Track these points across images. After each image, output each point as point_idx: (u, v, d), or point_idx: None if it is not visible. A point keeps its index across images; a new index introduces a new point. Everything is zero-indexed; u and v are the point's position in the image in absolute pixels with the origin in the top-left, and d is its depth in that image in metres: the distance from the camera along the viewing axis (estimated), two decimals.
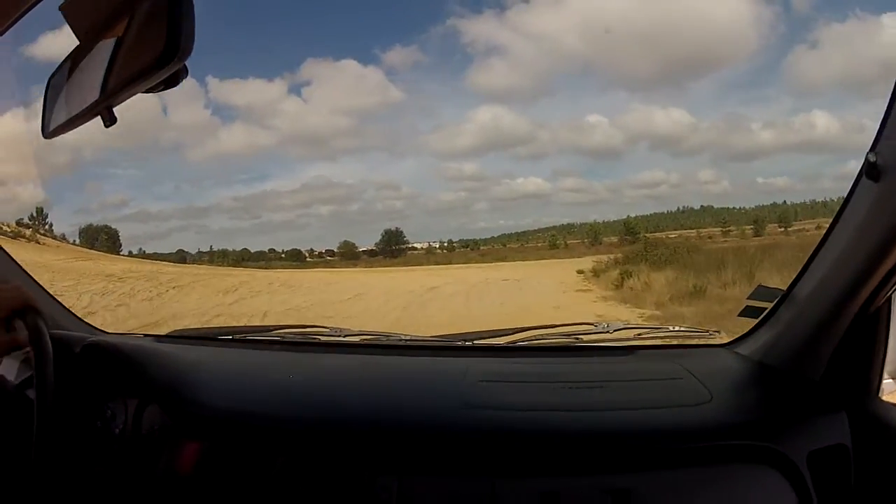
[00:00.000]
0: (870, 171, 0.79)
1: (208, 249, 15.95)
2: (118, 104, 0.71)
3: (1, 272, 1.40)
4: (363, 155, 20.22)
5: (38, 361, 1.00)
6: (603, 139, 15.72)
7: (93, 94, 0.73)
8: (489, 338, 1.34)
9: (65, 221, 14.98)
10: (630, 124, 15.77)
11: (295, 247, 16.17)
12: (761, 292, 1.12)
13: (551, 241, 16.45)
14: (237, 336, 1.50)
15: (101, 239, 14.81)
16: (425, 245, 16.31)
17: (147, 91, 0.68)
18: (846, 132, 13.94)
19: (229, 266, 15.40)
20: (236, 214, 19.26)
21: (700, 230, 15.31)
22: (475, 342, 1.33)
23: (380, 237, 16.38)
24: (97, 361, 1.23)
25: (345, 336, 1.44)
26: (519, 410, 0.99)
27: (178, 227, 21.02)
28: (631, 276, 10.51)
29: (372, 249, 16.42)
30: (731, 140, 15.40)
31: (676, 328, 1.34)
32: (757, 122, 15.07)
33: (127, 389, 1.20)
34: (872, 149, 0.79)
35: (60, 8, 0.77)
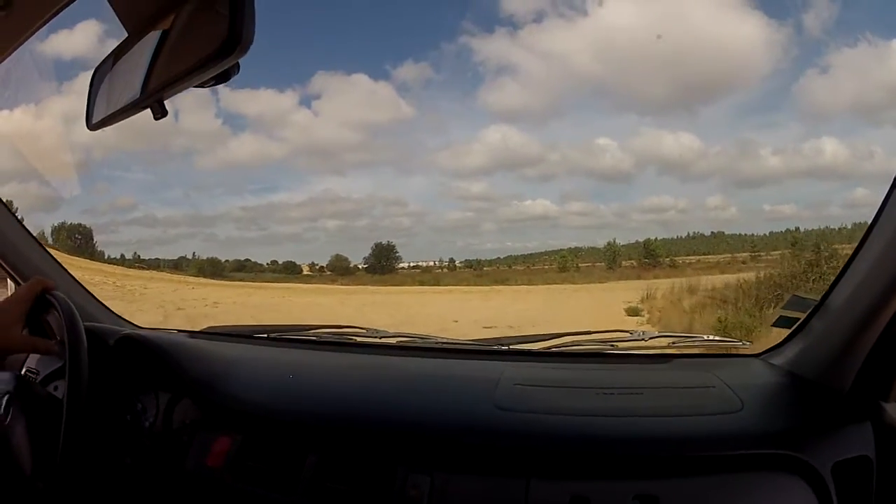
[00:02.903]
0: None
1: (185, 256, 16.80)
2: (169, 97, 0.80)
3: (40, 267, 1.60)
4: (372, 170, 21.79)
5: (73, 352, 1.14)
6: (612, 162, 16.71)
7: (141, 87, 0.81)
8: (525, 343, 1.52)
9: (72, 221, 15.96)
10: (639, 148, 16.88)
11: (304, 260, 17.37)
12: (795, 302, 1.27)
13: (561, 264, 16.57)
14: (272, 334, 1.67)
15: (74, 239, 15.06)
16: (429, 262, 17.20)
17: (198, 86, 0.77)
18: (855, 159, 15.04)
19: (194, 276, 15.76)
20: (244, 224, 20.89)
21: (732, 254, 15.67)
22: (511, 346, 1.51)
23: (370, 251, 16.74)
24: (130, 355, 1.38)
25: (381, 337, 1.62)
26: (553, 414, 1.13)
27: (186, 234, 22.63)
28: None
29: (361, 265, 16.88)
30: (739, 166, 16.53)
31: (711, 338, 1.52)
32: (766, 147, 16.07)
33: (159, 383, 1.35)
34: None
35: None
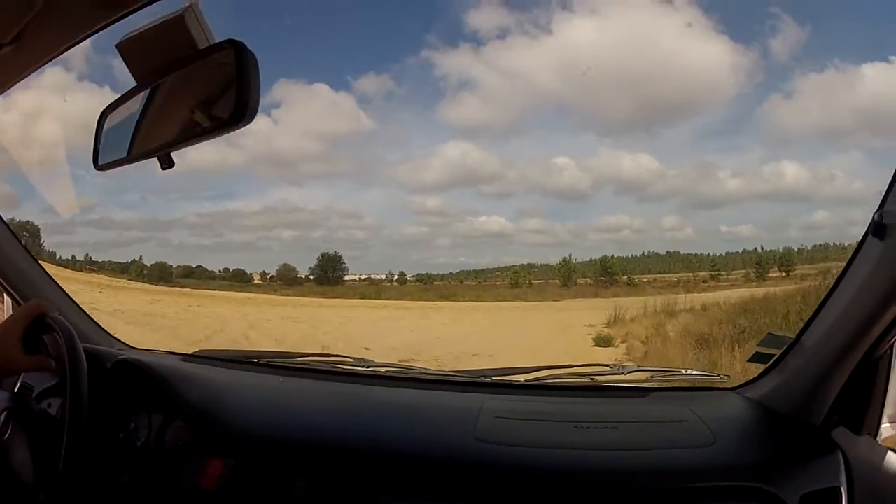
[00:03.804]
0: (876, 229, 0.99)
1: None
2: (178, 150, 0.89)
3: (39, 287, 1.68)
4: (329, 181, 22.61)
5: (73, 375, 1.21)
6: (570, 181, 17.41)
7: (153, 138, 0.91)
8: (507, 375, 1.61)
9: (34, 220, 15.93)
10: (597, 168, 17.69)
11: (258, 269, 17.63)
12: (771, 340, 1.38)
13: (513, 280, 16.84)
14: (263, 360, 1.76)
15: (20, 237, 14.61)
16: (381, 276, 17.60)
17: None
18: (817, 182, 16.16)
19: (131, 280, 15.71)
20: (198, 231, 21.79)
21: (693, 273, 16.33)
22: (493, 378, 1.60)
23: (315, 261, 16.75)
24: (127, 377, 1.46)
25: (368, 367, 1.73)
26: (531, 447, 1.22)
27: (140, 238, 22.84)
28: None
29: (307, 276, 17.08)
30: (697, 188, 17.56)
31: (688, 371, 1.63)
32: (725, 170, 17.09)
33: (152, 405, 1.42)
34: (879, 208, 0.98)
35: (117, 46, 0.93)
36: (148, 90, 0.93)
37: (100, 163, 1.02)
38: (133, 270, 16.34)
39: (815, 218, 17.31)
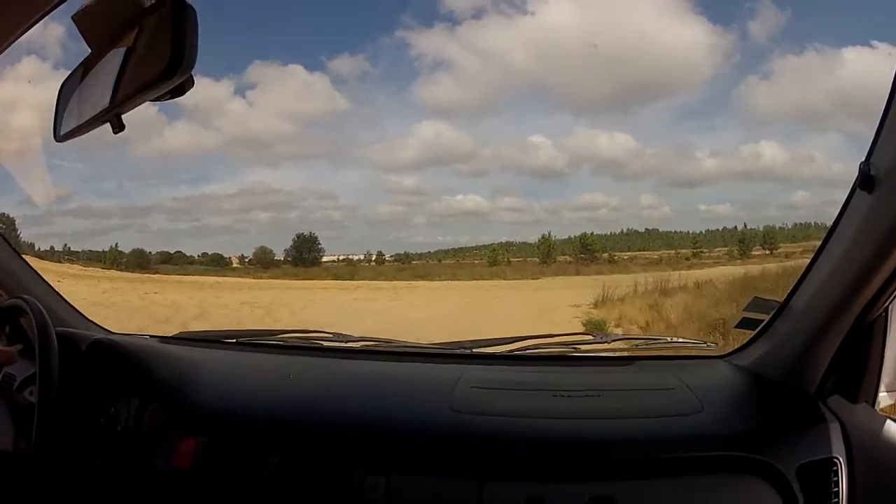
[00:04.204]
0: (863, 181, 0.95)
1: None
2: (126, 112, 0.88)
3: (15, 274, 1.69)
4: (304, 162, 22.51)
5: (43, 358, 1.22)
6: (546, 160, 17.74)
7: (103, 102, 0.89)
8: (488, 346, 1.60)
9: (11, 212, 15.69)
10: (574, 147, 18.09)
11: (236, 252, 17.83)
12: (758, 304, 1.36)
13: (491, 258, 16.91)
14: (241, 339, 1.77)
15: None
16: (359, 256, 17.82)
17: (154, 100, 0.85)
18: (795, 163, 16.66)
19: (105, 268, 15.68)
20: (176, 216, 22.13)
21: (676, 251, 16.60)
22: (473, 350, 1.59)
23: (291, 243, 16.98)
24: (102, 360, 1.46)
25: (347, 342, 1.73)
26: (508, 416, 1.22)
27: (119, 226, 23.11)
28: None
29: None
30: (675, 167, 17.97)
31: (674, 339, 1.62)
32: (703, 149, 17.52)
33: (130, 388, 1.43)
34: (866, 160, 0.95)
35: (73, 17, 0.93)
36: (102, 58, 0.92)
37: (59, 134, 1.02)
38: (107, 258, 16.33)
39: (795, 198, 17.69)
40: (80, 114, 0.97)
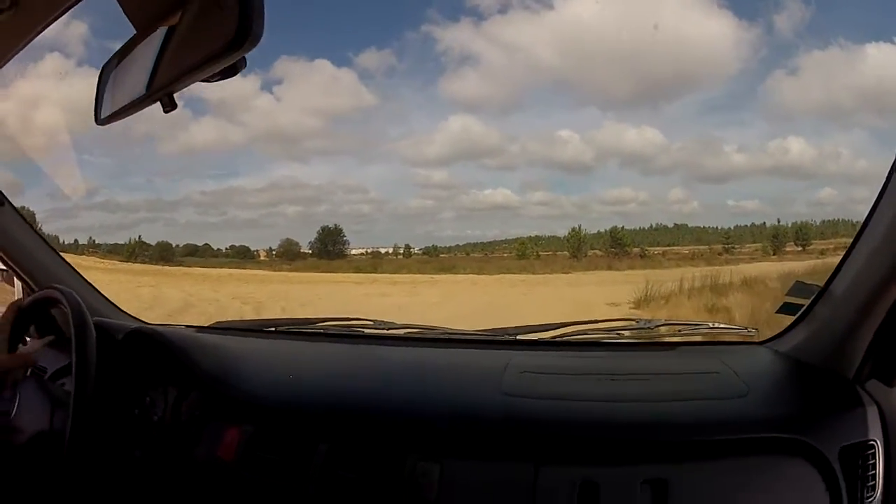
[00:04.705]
0: None
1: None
2: (177, 91, 0.87)
3: (48, 266, 1.76)
4: (332, 157, 22.56)
5: (80, 348, 1.25)
6: (573, 154, 17.82)
7: (149, 82, 0.89)
8: (532, 332, 1.66)
9: (38, 206, 16.02)
10: (601, 141, 18.07)
11: (264, 245, 18.04)
12: (799, 289, 1.39)
13: (520, 251, 16.90)
14: (281, 328, 1.81)
15: None
16: (387, 249, 17.88)
17: (205, 80, 0.84)
18: (822, 159, 16.29)
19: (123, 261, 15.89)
20: (203, 209, 21.49)
21: (710, 246, 16.54)
22: (517, 336, 1.65)
23: (315, 235, 17.47)
24: (139, 349, 1.49)
25: (389, 329, 1.78)
26: (560, 399, 1.24)
27: (146, 219, 22.77)
28: None
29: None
30: (702, 161, 17.95)
31: (716, 325, 1.67)
32: (730, 144, 17.39)
33: (168, 378, 1.45)
34: None
35: None
36: (146, 37, 0.92)
37: (101, 117, 1.02)
38: (125, 251, 16.62)
39: (821, 194, 17.27)
40: (124, 96, 0.96)
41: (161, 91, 0.87)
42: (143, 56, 0.91)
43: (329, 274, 15.38)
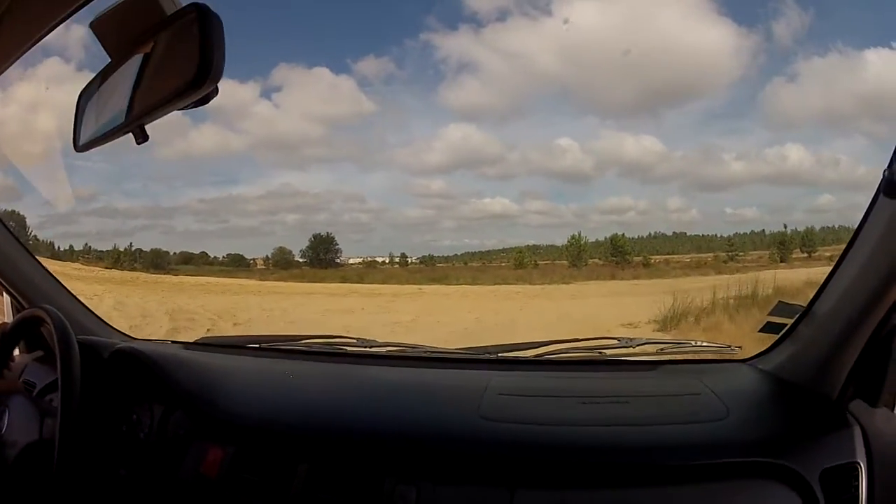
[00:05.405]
0: (887, 187, 1.01)
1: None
2: (150, 122, 0.91)
3: (34, 281, 1.81)
4: (332, 165, 23.84)
5: (65, 368, 1.30)
6: (572, 163, 18.45)
7: (124, 112, 0.92)
8: (513, 351, 1.70)
9: (34, 212, 17.60)
10: (600, 150, 18.94)
11: (262, 254, 18.57)
12: (782, 308, 1.43)
13: (517, 260, 16.96)
14: (265, 345, 1.87)
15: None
16: (383, 258, 18.31)
17: (179, 109, 0.88)
18: (820, 166, 16.89)
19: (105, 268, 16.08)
20: (202, 217, 23.35)
21: (714, 253, 16.76)
22: (499, 355, 1.69)
23: (307, 243, 18.01)
24: (125, 367, 1.54)
25: (371, 347, 1.82)
26: (537, 424, 1.28)
27: (144, 226, 24.22)
28: None
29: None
30: (701, 170, 18.63)
31: (698, 343, 1.72)
32: (729, 152, 18.00)
33: (154, 395, 1.51)
34: (889, 166, 1.00)
35: (91, 25, 0.99)
36: (121, 66, 0.96)
37: (79, 144, 1.06)
38: (109, 258, 16.93)
39: (820, 201, 18.41)
40: (101, 123, 1.00)
41: (134, 123, 0.91)
42: (117, 86, 0.96)
43: (306, 284, 15.41)
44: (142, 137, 0.92)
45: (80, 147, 1.06)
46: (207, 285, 15.09)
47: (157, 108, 0.87)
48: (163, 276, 16.07)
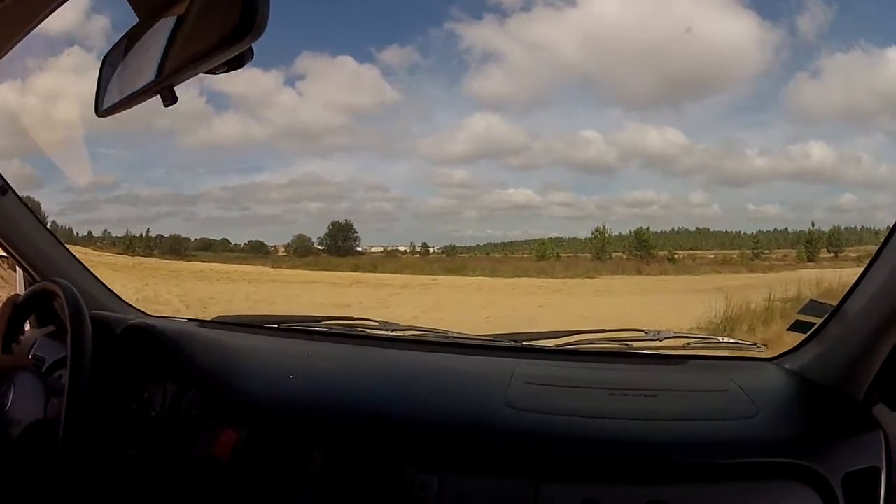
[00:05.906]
0: None
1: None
2: (179, 83, 0.88)
3: (49, 255, 1.84)
4: (355, 154, 24.71)
5: (75, 343, 1.32)
6: (596, 154, 18.80)
7: (153, 73, 0.89)
8: (539, 339, 1.72)
9: (53, 199, 18.23)
10: (624, 141, 19.16)
11: (284, 241, 18.90)
12: (812, 307, 1.44)
13: (539, 252, 16.92)
14: (283, 325, 1.88)
15: None
16: (405, 248, 18.46)
17: (208, 72, 0.83)
18: (843, 164, 16.80)
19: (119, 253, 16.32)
20: (224, 204, 23.86)
21: (741, 250, 16.72)
22: (524, 343, 1.71)
23: (326, 230, 18.30)
24: (138, 344, 1.57)
25: (393, 330, 1.85)
26: (565, 415, 1.28)
27: (167, 213, 24.74)
28: None
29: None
30: (724, 164, 18.75)
31: (725, 339, 1.74)
32: (752, 147, 18.28)
33: (167, 373, 1.53)
34: None
35: None
36: (152, 24, 0.93)
37: (102, 108, 1.05)
38: (120, 244, 17.34)
39: (842, 200, 18.08)
40: (126, 86, 0.98)
41: (162, 83, 0.89)
42: (146, 47, 0.94)
43: (312, 272, 15.54)
44: (171, 99, 0.89)
45: (102, 112, 1.05)
46: (204, 272, 15.21)
47: (191, 65, 0.83)
48: (167, 261, 16.27)
